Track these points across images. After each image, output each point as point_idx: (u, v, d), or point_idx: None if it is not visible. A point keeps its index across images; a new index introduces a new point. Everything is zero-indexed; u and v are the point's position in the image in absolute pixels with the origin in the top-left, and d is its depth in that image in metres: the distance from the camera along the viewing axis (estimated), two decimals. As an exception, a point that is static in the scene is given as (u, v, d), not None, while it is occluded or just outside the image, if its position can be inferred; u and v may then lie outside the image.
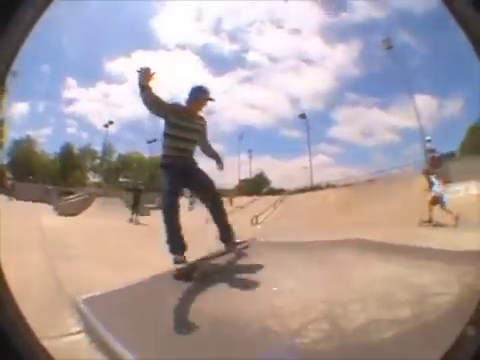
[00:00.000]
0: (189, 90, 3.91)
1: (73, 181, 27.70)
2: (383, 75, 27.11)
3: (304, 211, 13.25)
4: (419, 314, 2.13)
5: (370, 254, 3.59)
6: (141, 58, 27.44)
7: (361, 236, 4.79)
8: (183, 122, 3.81)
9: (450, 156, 18.58)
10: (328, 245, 4.28)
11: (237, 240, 4.13)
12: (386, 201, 9.83)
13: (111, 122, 26.86)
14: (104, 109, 31.22)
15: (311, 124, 27.27)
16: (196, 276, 3.24)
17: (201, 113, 4.01)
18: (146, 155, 30.31)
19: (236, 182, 28.96)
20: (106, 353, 2.00)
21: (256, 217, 13.38)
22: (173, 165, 3.76)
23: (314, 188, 21.09)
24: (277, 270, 3.19)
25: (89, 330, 2.27)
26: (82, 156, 30.46)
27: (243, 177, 30.09)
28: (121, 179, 30.50)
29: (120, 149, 31.45)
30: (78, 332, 2.28)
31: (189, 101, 3.90)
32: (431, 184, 8.95)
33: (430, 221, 8.26)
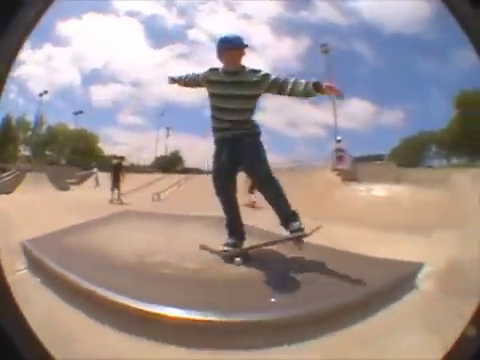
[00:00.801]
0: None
1: (7, 156, 25.70)
2: (323, 74, 28.10)
3: (207, 191, 13.81)
4: (199, 270, 2.91)
5: (215, 229, 4.31)
6: (91, 21, 25.86)
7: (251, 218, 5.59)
8: (219, 89, 3.21)
9: (378, 158, 20.11)
10: (191, 218, 5.87)
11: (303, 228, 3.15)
12: (292, 190, 10.25)
13: (46, 92, 25.38)
14: (44, 73, 29.00)
15: None
16: (237, 261, 3.09)
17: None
18: (72, 127, 28.77)
19: (152, 158, 29.06)
20: (47, 279, 2.80)
21: (158, 194, 13.98)
22: (220, 141, 3.34)
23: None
24: (139, 231, 4.55)
25: (32, 264, 3.16)
26: (17, 128, 28.29)
27: (160, 154, 30.23)
28: (47, 152, 28.91)
29: (51, 120, 29.72)
30: (23, 269, 3.11)
31: (219, 58, 3.22)
32: None
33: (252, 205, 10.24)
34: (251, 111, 3.30)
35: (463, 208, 7.36)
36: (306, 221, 3.43)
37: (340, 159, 15.51)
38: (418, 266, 2.91)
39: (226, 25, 30.42)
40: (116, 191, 12.59)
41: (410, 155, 23.10)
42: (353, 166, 15.34)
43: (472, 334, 1.11)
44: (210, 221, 4.90)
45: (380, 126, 29.13)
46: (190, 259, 3.12)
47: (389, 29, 29.19)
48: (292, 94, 3.08)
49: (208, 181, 3.56)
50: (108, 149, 28.57)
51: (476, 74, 20.08)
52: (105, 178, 16.66)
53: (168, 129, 29.71)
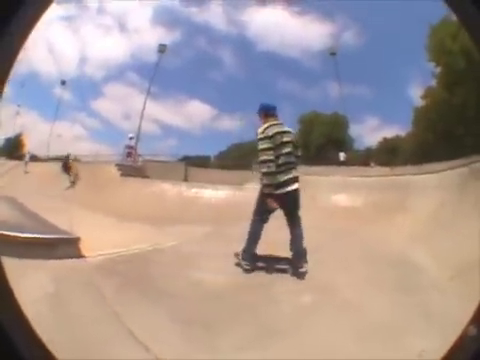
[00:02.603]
0: None
1: None
2: (179, 72, 30.17)
3: (29, 179, 15.00)
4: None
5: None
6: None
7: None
8: None
9: (205, 159, 23.43)
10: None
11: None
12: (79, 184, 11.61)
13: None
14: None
15: (80, 90, 27.46)
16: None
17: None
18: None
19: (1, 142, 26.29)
20: None
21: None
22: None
23: (54, 159, 19.57)
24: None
25: None
26: None
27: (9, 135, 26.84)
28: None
29: None
30: None
31: None
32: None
33: None
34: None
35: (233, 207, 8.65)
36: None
37: (128, 155, 17.12)
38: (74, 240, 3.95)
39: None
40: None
41: (237, 159, 24.59)
42: (141, 163, 16.58)
43: (473, 334, 1.13)
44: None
45: (216, 130, 31.53)
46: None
47: (264, 46, 31.28)
48: None
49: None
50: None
51: (328, 99, 27.72)
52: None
53: (19, 106, 26.46)
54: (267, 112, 4.08)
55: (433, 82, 19.91)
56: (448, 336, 2.14)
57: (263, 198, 3.84)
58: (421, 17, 19.23)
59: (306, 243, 3.91)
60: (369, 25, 25.34)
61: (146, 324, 2.53)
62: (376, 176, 10.21)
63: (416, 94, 23.13)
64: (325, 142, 25.30)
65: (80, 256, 3.86)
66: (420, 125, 20.97)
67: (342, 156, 20.94)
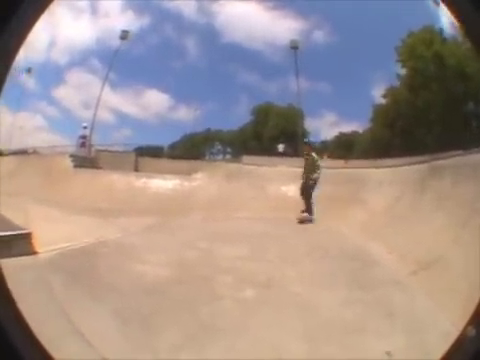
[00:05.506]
0: None
1: None
2: (141, 60, 29.40)
3: None
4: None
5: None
6: None
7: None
8: None
9: (158, 149, 23.73)
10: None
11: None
12: (28, 172, 11.06)
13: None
14: None
15: (44, 78, 25.94)
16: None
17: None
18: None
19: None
20: None
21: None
22: None
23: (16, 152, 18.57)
24: None
25: None
26: None
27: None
28: None
29: None
30: None
31: None
32: None
33: None
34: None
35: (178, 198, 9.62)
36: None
37: (82, 145, 16.88)
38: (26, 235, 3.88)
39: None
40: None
41: (190, 149, 26.60)
42: (93, 153, 16.62)
43: (472, 334, 1.10)
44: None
45: (171, 120, 31.77)
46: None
47: (229, 38, 31.90)
48: None
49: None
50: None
51: (286, 92, 28.46)
52: None
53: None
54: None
55: (396, 83, 20.91)
56: (413, 335, 2.20)
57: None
58: (395, 22, 19.93)
59: (252, 234, 5.72)
60: (342, 26, 25.60)
61: (92, 321, 2.47)
62: (330, 168, 10.27)
63: (377, 94, 23.95)
64: (278, 134, 25.67)
65: (33, 252, 3.81)
66: (378, 122, 21.93)
67: (281, 147, 22.26)
